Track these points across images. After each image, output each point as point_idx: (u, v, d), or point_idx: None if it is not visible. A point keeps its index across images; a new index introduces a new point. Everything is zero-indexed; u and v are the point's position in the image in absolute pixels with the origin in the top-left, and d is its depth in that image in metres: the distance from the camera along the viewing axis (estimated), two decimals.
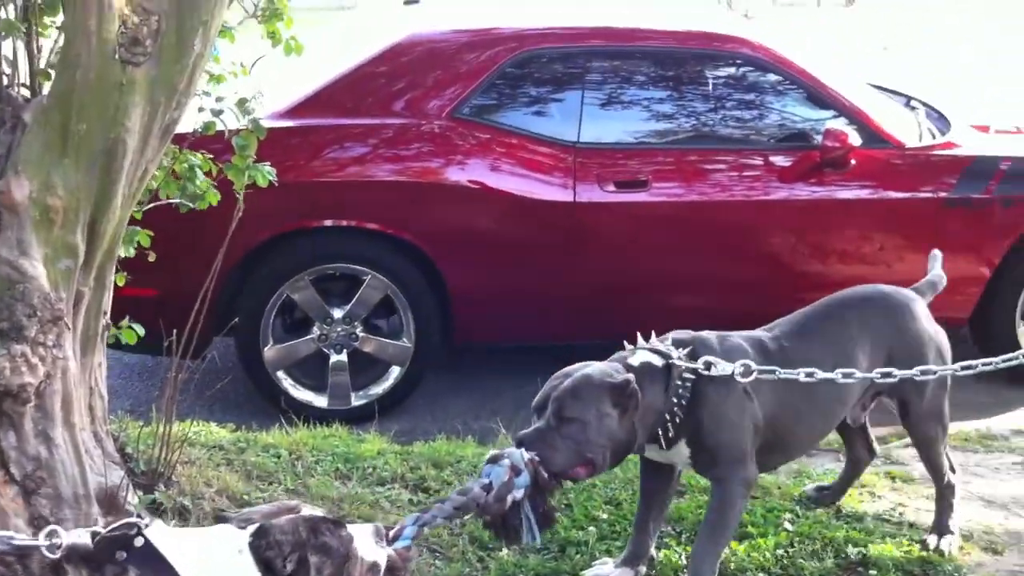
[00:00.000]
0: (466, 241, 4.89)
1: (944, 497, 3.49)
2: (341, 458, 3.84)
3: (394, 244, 4.82)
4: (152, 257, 3.50)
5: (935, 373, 3.14)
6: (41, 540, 1.97)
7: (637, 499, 3.29)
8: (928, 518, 3.57)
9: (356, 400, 4.88)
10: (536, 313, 5.04)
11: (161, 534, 2.07)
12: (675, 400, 2.92)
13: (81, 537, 2.01)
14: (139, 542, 2.03)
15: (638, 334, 3.08)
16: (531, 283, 4.95)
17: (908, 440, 4.05)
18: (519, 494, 2.56)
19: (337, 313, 4.83)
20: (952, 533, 3.44)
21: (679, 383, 2.92)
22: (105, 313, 3.00)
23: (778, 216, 5.07)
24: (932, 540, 3.43)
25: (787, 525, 3.48)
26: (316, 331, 4.84)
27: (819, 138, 5.10)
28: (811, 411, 3.18)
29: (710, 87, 5.26)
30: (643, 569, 3.17)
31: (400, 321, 4.89)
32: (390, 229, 4.79)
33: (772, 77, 5.24)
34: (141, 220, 3.30)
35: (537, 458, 2.64)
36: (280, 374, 4.84)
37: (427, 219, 4.83)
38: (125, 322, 3.39)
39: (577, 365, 2.95)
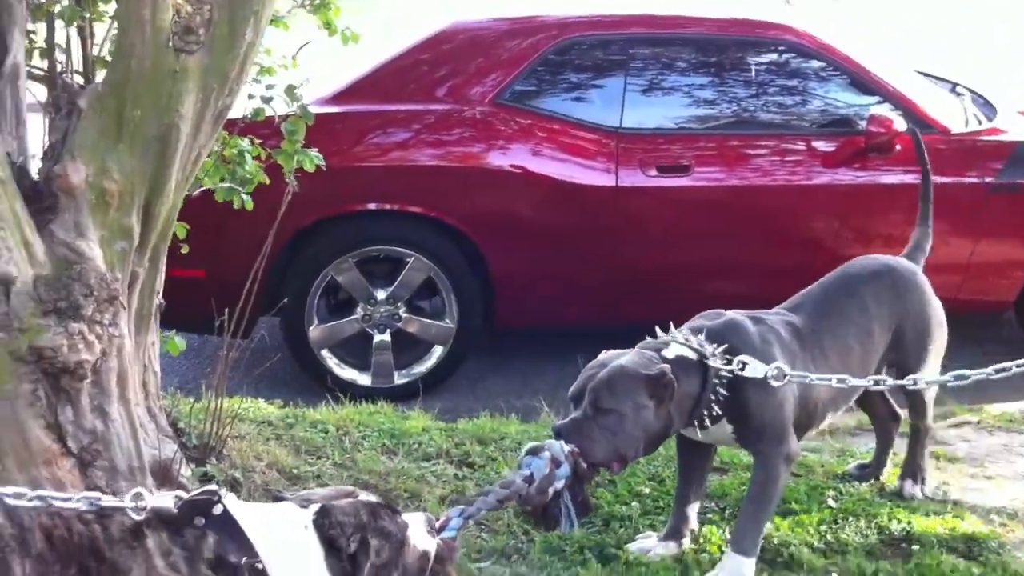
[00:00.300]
0: (508, 225, 4.94)
1: (922, 442, 3.64)
2: (387, 434, 3.92)
3: (437, 227, 4.88)
4: (185, 249, 3.58)
5: (968, 378, 3.06)
6: (127, 502, 2.04)
7: (677, 476, 3.33)
8: (973, 496, 3.59)
9: (399, 379, 4.97)
10: (578, 297, 5.09)
11: (234, 505, 2.15)
12: (712, 396, 2.96)
13: (164, 501, 2.08)
14: (217, 510, 2.10)
15: (671, 324, 3.10)
16: (573, 267, 4.99)
17: (952, 420, 4.09)
18: (559, 485, 2.63)
19: (381, 294, 4.91)
20: (926, 476, 3.64)
21: (716, 380, 2.96)
22: (158, 293, 3.08)
23: (821, 201, 5.07)
24: (908, 484, 3.61)
25: (831, 502, 3.51)
26: (360, 311, 4.92)
27: (863, 124, 5.09)
28: (839, 389, 3.21)
29: (753, 73, 5.26)
30: (686, 543, 3.22)
31: (442, 302, 4.96)
32: (433, 212, 4.86)
33: (815, 63, 5.23)
34: (188, 202, 3.38)
35: (576, 450, 2.70)
36: (324, 353, 4.94)
37: (470, 203, 4.89)
38: (172, 334, 3.47)
39: (612, 354, 2.99)
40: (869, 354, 3.33)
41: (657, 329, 3.11)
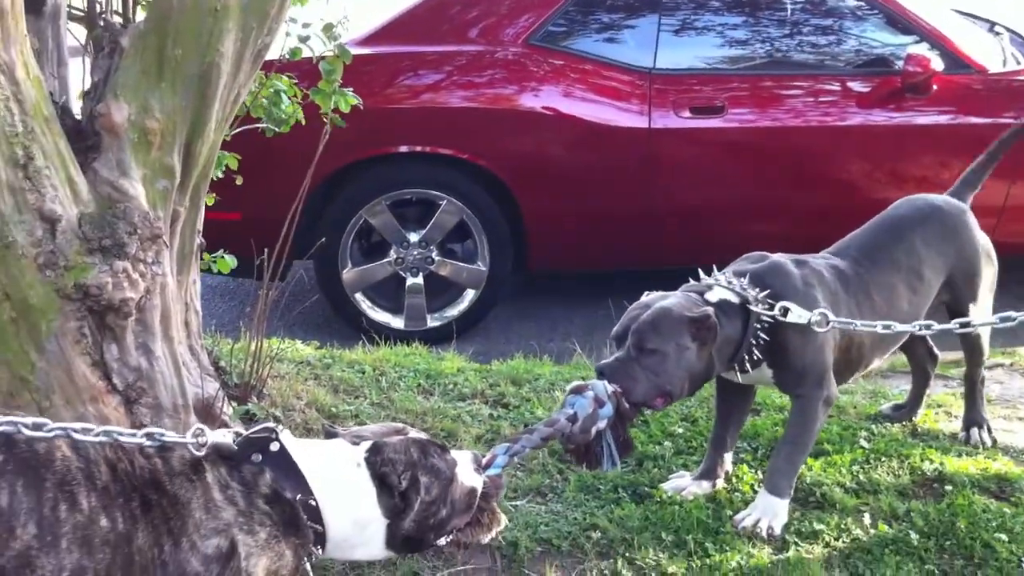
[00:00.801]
0: (541, 167, 4.93)
1: (979, 389, 3.62)
2: (423, 374, 3.96)
3: (469, 170, 4.88)
4: (239, 181, 3.61)
5: (1014, 319, 3.02)
6: (189, 438, 2.09)
7: (713, 416, 3.35)
8: (1005, 437, 3.60)
9: (432, 322, 5.00)
10: (610, 239, 5.09)
11: (290, 441, 2.19)
12: (753, 340, 2.96)
13: (224, 437, 2.13)
14: (274, 447, 2.15)
15: (713, 267, 3.11)
16: (605, 209, 4.99)
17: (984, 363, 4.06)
18: (602, 424, 2.67)
19: (413, 237, 4.93)
20: (990, 423, 3.63)
21: (757, 325, 2.96)
22: (199, 232, 3.10)
23: (856, 142, 5.04)
24: (975, 432, 3.59)
25: (863, 443, 3.52)
26: (393, 254, 4.95)
27: (900, 63, 5.03)
28: (885, 334, 3.20)
29: (788, 12, 5.20)
30: (719, 483, 3.25)
31: (475, 245, 4.98)
32: (465, 155, 4.85)
33: (852, 2, 5.17)
34: (225, 145, 3.39)
35: (620, 390, 2.73)
36: (358, 296, 4.97)
37: (502, 145, 4.88)
38: (220, 253, 3.50)
39: (655, 295, 3.00)
40: (919, 297, 3.29)
41: (700, 272, 3.11)
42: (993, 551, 2.96)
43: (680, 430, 3.58)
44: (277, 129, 3.51)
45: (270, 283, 3.44)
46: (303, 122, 3.54)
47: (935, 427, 3.70)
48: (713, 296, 2.97)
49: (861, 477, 3.32)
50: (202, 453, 2.08)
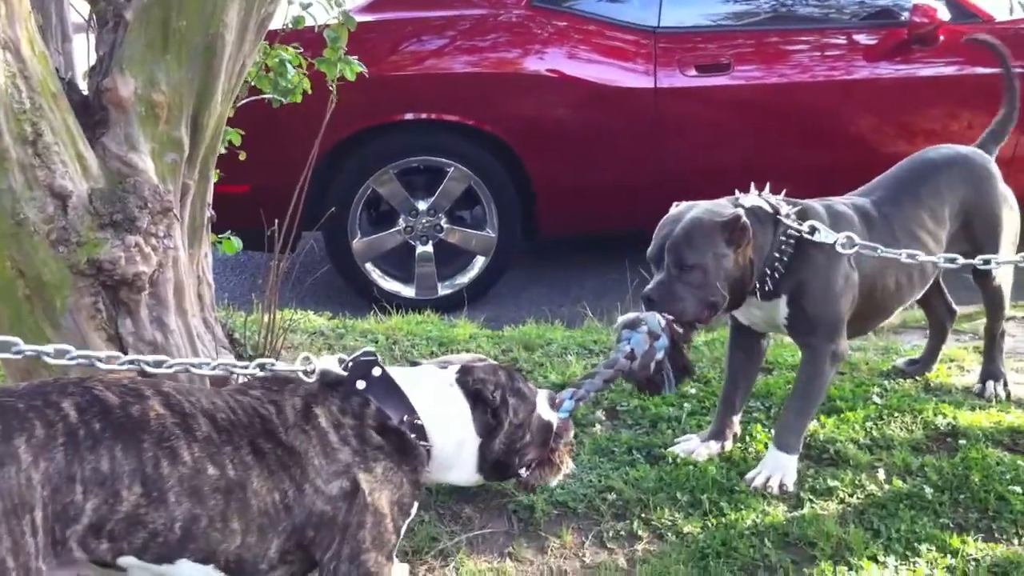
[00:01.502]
0: (547, 130, 4.92)
1: (998, 343, 3.64)
2: (435, 342, 3.97)
3: (475, 136, 4.87)
4: (243, 156, 3.60)
5: None
6: (298, 366, 2.15)
7: (724, 376, 3.36)
8: (1017, 390, 3.61)
9: (443, 290, 5.01)
10: (619, 201, 5.08)
11: (387, 367, 2.25)
12: (777, 254, 2.96)
13: (330, 363, 2.19)
14: (376, 372, 2.21)
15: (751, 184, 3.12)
16: (614, 171, 4.98)
17: None
18: (660, 356, 2.70)
19: (422, 205, 4.92)
20: (1007, 377, 3.64)
21: (784, 238, 2.96)
22: (208, 205, 3.10)
23: (864, 96, 5.00)
24: (990, 386, 3.59)
25: (876, 399, 3.53)
26: (402, 223, 4.95)
27: (906, 14, 4.99)
28: (908, 279, 3.25)
29: None
30: (728, 444, 3.26)
31: (483, 212, 4.97)
32: (470, 121, 4.84)
33: None
34: (232, 118, 3.39)
35: (671, 318, 2.76)
36: (368, 266, 4.98)
37: (507, 110, 4.87)
38: (228, 234, 3.50)
39: (683, 206, 3.01)
40: (940, 241, 3.31)
41: (736, 192, 3.12)
42: (1007, 503, 2.98)
43: (693, 391, 3.60)
44: (284, 100, 3.50)
45: (281, 255, 3.44)
46: (310, 92, 3.53)
47: (948, 382, 3.70)
48: (747, 201, 2.98)
49: (874, 433, 3.33)
50: (312, 380, 2.14)
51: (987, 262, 3.10)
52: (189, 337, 2.91)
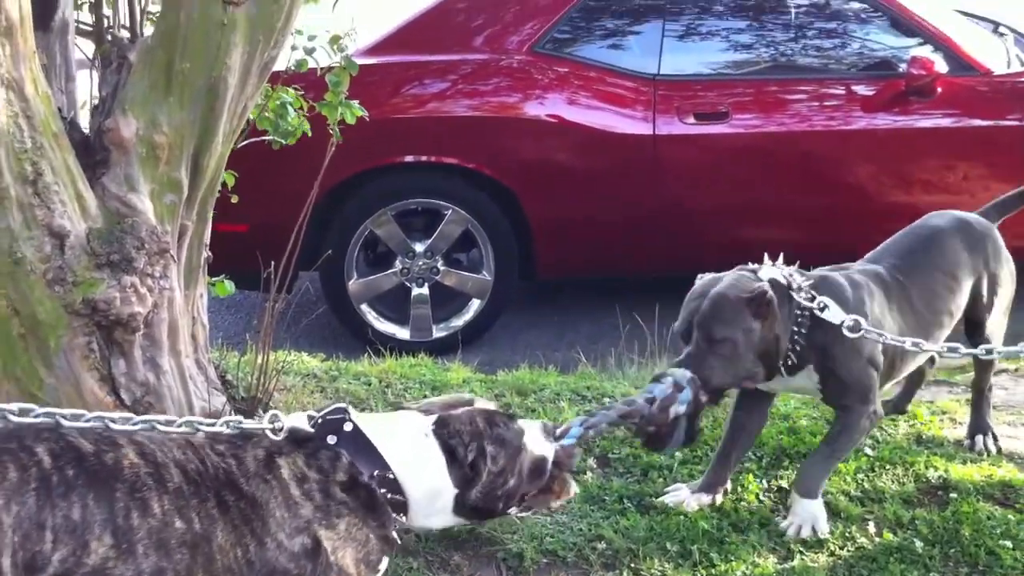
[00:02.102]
0: (547, 175, 4.95)
1: (987, 397, 3.64)
2: (428, 385, 3.96)
3: (474, 179, 4.90)
4: (235, 199, 3.61)
5: None
6: (265, 424, 2.13)
7: (721, 428, 3.36)
8: (1009, 444, 3.61)
9: (437, 332, 5.01)
10: (617, 246, 5.10)
11: (359, 419, 2.23)
12: (796, 327, 2.98)
13: (299, 421, 2.17)
14: (348, 427, 2.19)
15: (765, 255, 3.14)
16: (612, 216, 5.00)
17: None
18: (681, 409, 2.71)
19: (419, 247, 4.94)
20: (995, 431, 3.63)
21: (798, 312, 2.98)
22: (206, 246, 3.12)
23: (861, 146, 5.04)
24: (979, 440, 3.59)
25: (867, 451, 3.52)
26: (398, 265, 4.96)
27: (904, 66, 5.04)
28: (926, 336, 3.23)
29: (792, 16, 5.22)
30: (719, 498, 3.24)
31: (480, 255, 4.99)
32: (470, 164, 4.87)
33: (855, 5, 5.19)
34: (230, 158, 3.40)
35: (697, 378, 2.77)
36: (364, 307, 4.99)
37: (508, 154, 4.90)
38: (221, 278, 3.51)
39: (707, 279, 3.02)
40: (957, 300, 3.34)
41: (767, 257, 3.14)
42: (998, 558, 2.97)
43: None
44: (283, 141, 3.53)
45: (276, 295, 3.45)
46: (309, 134, 3.55)
47: (939, 434, 3.70)
48: (764, 275, 3.00)
49: (866, 485, 3.33)
50: (280, 437, 2.12)
51: (989, 352, 3.13)
52: (182, 378, 2.92)
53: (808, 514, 3.08)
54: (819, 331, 2.99)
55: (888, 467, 3.43)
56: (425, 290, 4.98)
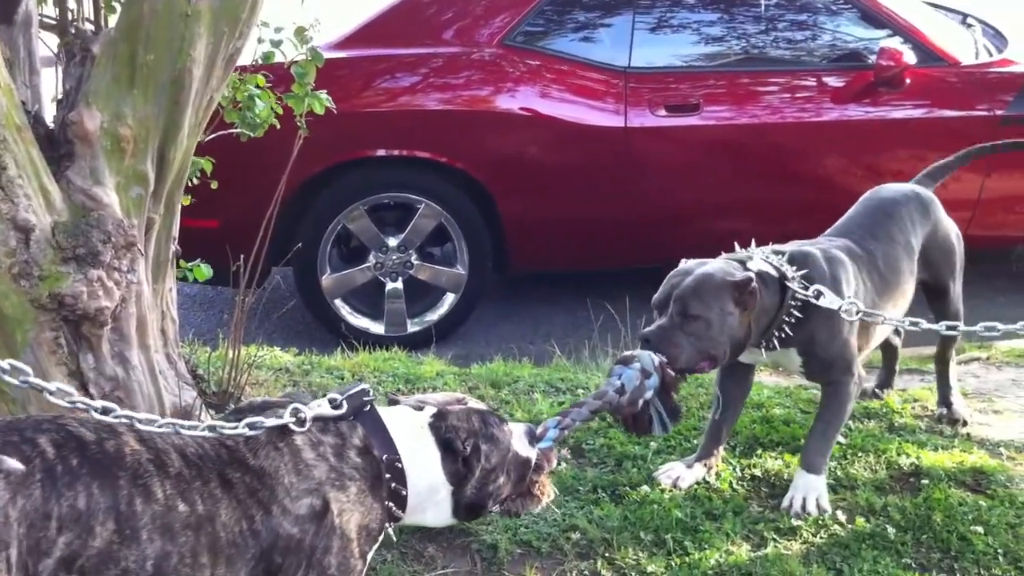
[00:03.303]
0: (519, 168, 4.94)
1: (951, 367, 3.77)
2: (402, 379, 3.95)
3: (446, 173, 4.88)
4: (214, 185, 3.59)
5: (999, 331, 3.06)
6: (288, 418, 2.12)
7: (691, 415, 3.37)
8: (980, 430, 3.65)
9: (412, 327, 5.00)
10: (589, 239, 5.10)
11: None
12: (787, 317, 3.02)
13: (323, 409, 2.17)
14: (367, 407, 2.23)
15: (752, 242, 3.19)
16: (584, 209, 5.00)
17: (961, 357, 4.12)
18: (649, 394, 2.72)
19: (392, 242, 4.92)
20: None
21: (792, 303, 3.01)
22: (174, 239, 3.09)
23: (831, 137, 5.06)
24: (957, 406, 3.72)
25: (840, 439, 3.53)
26: (372, 259, 4.94)
27: (873, 57, 5.06)
28: (892, 305, 3.34)
29: (762, 8, 5.23)
30: (713, 471, 3.30)
31: (454, 248, 4.98)
32: (442, 158, 4.85)
33: None
34: (200, 152, 3.37)
35: (665, 360, 2.78)
36: (338, 302, 4.96)
37: (479, 147, 4.89)
38: (197, 262, 3.49)
39: (694, 262, 3.05)
40: (913, 268, 3.43)
41: (736, 245, 3.17)
42: (970, 544, 2.99)
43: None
44: (252, 134, 3.50)
45: (247, 290, 3.43)
46: (277, 125, 3.53)
47: (911, 422, 3.72)
48: (753, 266, 3.01)
49: (838, 472, 3.34)
50: (305, 428, 2.13)
51: (953, 328, 3.19)
52: (151, 373, 2.89)
53: (810, 487, 3.13)
54: (807, 317, 3.04)
55: (860, 454, 3.45)
56: (399, 284, 4.97)
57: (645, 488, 3.21)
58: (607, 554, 2.91)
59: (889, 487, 3.29)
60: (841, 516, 3.11)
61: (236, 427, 2.09)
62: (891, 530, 3.03)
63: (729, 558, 2.89)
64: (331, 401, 2.19)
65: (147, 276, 2.91)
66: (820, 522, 3.08)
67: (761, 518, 3.11)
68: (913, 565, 2.91)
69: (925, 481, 3.29)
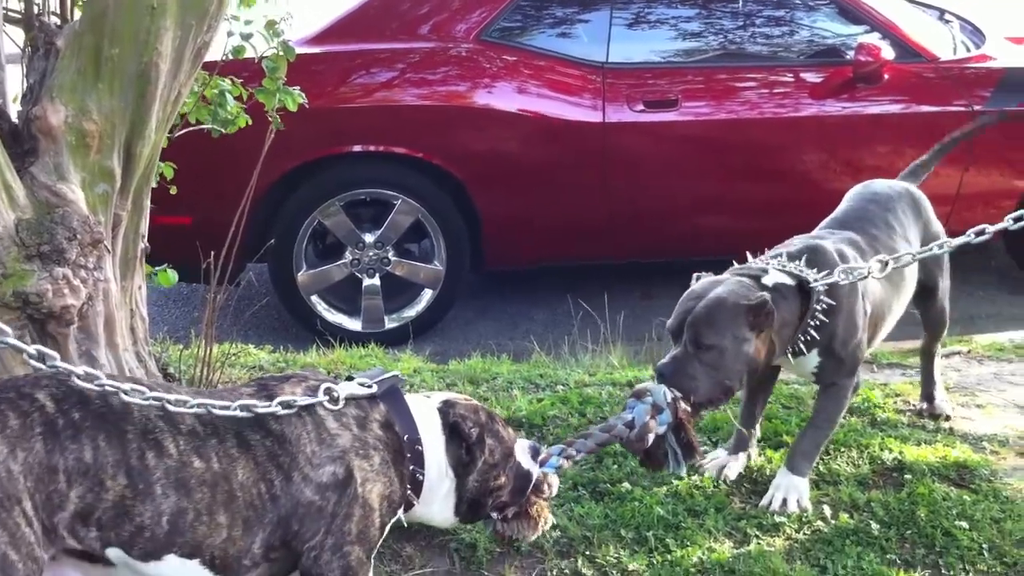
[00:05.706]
0: (496, 164, 4.90)
1: (936, 362, 3.76)
2: None
3: (423, 168, 4.83)
4: (173, 191, 3.53)
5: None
6: (321, 396, 2.13)
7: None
8: (963, 424, 3.63)
9: (389, 323, 4.95)
10: (566, 235, 5.06)
11: None
12: (812, 322, 2.94)
13: (356, 389, 2.19)
14: (393, 391, 2.26)
15: (748, 254, 3.15)
16: (561, 205, 4.96)
17: (943, 351, 4.08)
18: (661, 430, 2.67)
19: (369, 238, 4.87)
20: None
21: (816, 307, 2.94)
22: (143, 236, 3.03)
23: (810, 133, 5.04)
24: (938, 402, 3.71)
25: None
26: (348, 256, 4.89)
27: (851, 53, 5.04)
28: (897, 304, 3.33)
29: (740, 4, 5.20)
30: (753, 453, 3.32)
31: (431, 244, 4.93)
32: (419, 153, 4.80)
33: None
34: (172, 149, 3.31)
35: (679, 395, 2.72)
36: (314, 299, 4.90)
37: (456, 143, 4.84)
38: (164, 267, 3.42)
39: (706, 281, 2.95)
40: (914, 267, 3.39)
41: (748, 255, 3.11)
42: (954, 539, 2.96)
43: None
44: (223, 130, 3.44)
45: (219, 287, 3.37)
46: (249, 122, 3.47)
47: (894, 417, 3.70)
48: (768, 280, 2.94)
49: (821, 468, 3.31)
50: (339, 407, 2.14)
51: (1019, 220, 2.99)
52: (119, 372, 2.83)
53: (792, 486, 3.10)
54: (829, 318, 2.97)
55: (843, 450, 3.43)
56: (376, 281, 4.91)
57: (626, 485, 3.17)
58: (588, 552, 2.87)
59: (872, 482, 3.26)
60: (825, 512, 3.08)
61: (269, 406, 2.09)
62: (875, 526, 3.00)
63: (711, 555, 2.85)
64: (361, 384, 2.21)
65: (115, 274, 2.85)
66: (803, 518, 3.05)
67: (744, 515, 3.07)
68: (897, 561, 2.88)
69: (908, 476, 3.26)
